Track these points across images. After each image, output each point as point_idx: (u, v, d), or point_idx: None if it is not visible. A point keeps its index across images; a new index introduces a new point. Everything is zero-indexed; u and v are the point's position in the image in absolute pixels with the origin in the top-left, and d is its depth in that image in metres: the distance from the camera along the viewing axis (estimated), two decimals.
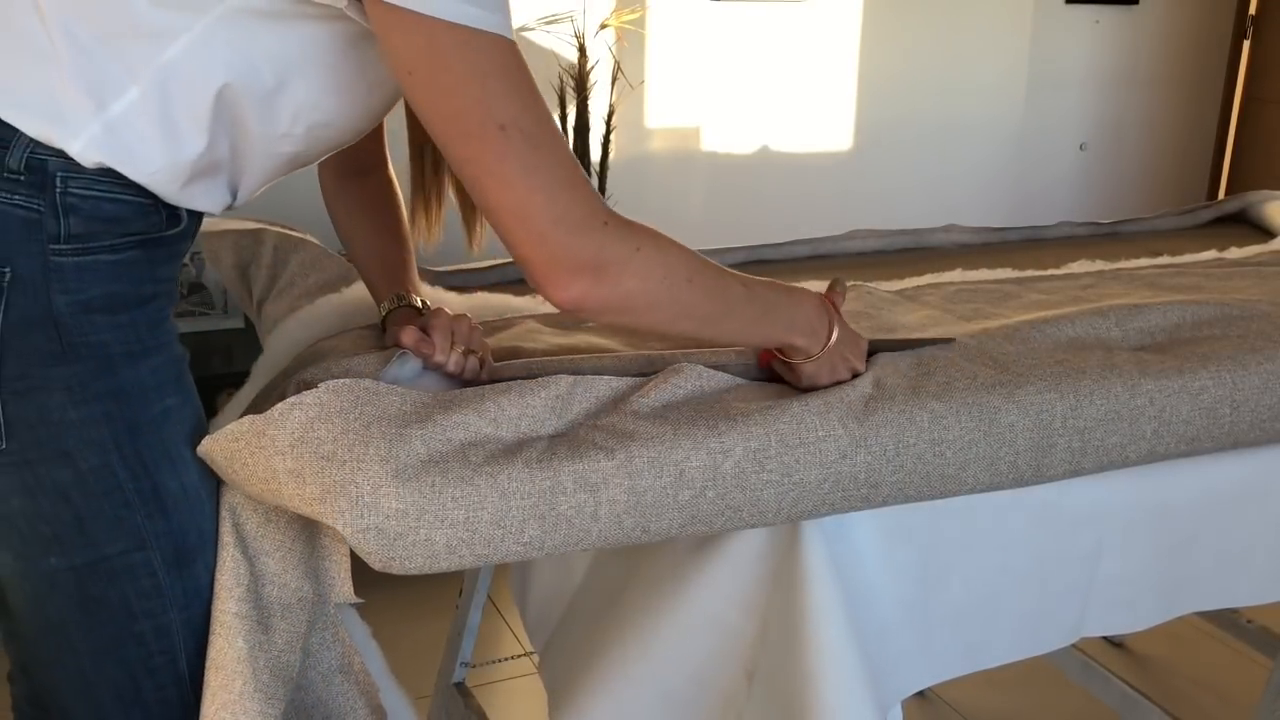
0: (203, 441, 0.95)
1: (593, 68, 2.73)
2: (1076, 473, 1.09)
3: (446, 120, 0.87)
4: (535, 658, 1.30)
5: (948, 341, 1.13)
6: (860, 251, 1.69)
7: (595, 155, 2.77)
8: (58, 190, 0.89)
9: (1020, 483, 1.06)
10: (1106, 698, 1.83)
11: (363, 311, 1.21)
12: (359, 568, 0.98)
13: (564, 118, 2.71)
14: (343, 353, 1.07)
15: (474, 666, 1.81)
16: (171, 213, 0.95)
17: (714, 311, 0.97)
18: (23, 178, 0.88)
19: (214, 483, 1.01)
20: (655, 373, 1.03)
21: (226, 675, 0.97)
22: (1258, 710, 1.64)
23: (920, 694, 2.07)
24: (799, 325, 1.02)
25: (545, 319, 1.26)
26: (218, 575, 0.99)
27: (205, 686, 0.99)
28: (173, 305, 0.99)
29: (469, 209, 1.17)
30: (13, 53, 0.88)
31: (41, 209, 0.88)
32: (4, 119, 0.87)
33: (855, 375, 1.05)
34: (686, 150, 3.16)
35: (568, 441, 0.93)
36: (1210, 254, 1.59)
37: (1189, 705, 2.10)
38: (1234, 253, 1.60)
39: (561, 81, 2.74)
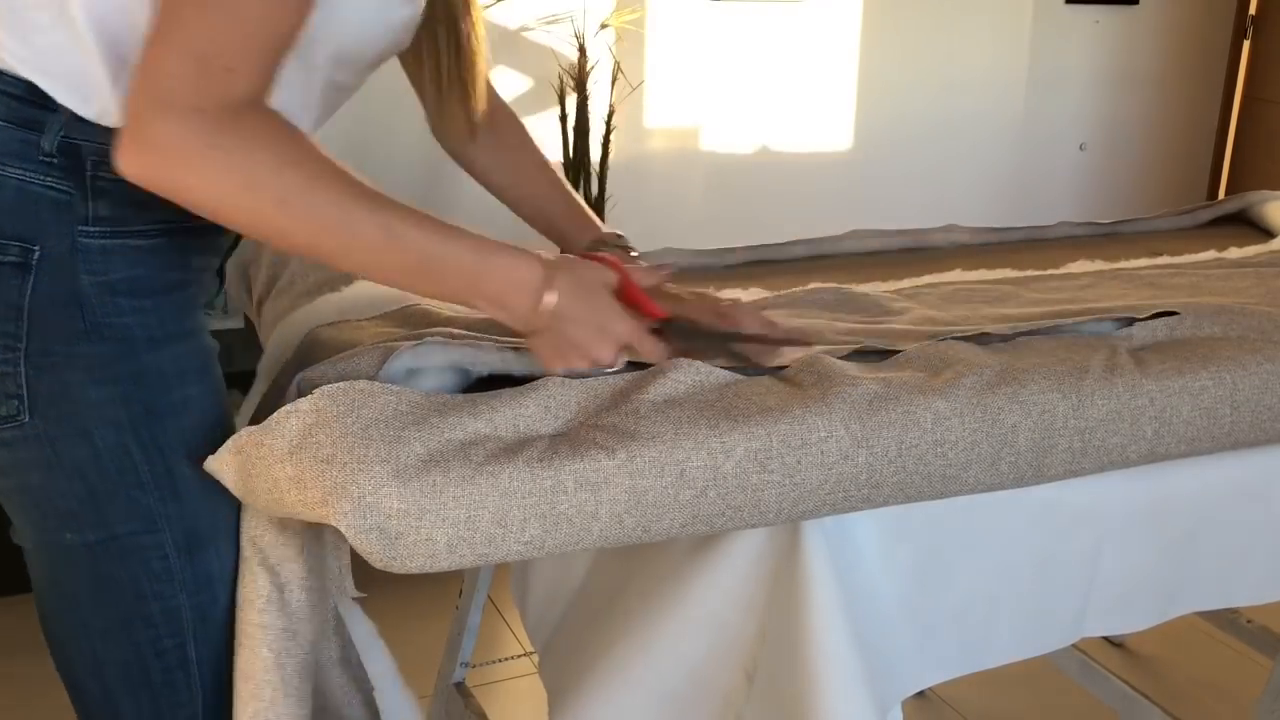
0: (209, 459, 0.95)
1: (593, 68, 2.73)
2: (1076, 473, 1.09)
3: None
4: (535, 658, 1.30)
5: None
6: (860, 251, 1.69)
7: (595, 155, 2.77)
8: (88, 174, 0.91)
9: (1021, 483, 1.06)
10: (1106, 698, 1.83)
11: (362, 309, 1.21)
12: (360, 567, 0.99)
13: (564, 118, 2.71)
14: (341, 347, 1.07)
15: (474, 666, 1.82)
16: None
17: (328, 249, 0.89)
18: (55, 160, 0.90)
19: None
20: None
21: (256, 684, 0.98)
22: (1258, 710, 1.64)
23: (920, 694, 2.07)
24: (485, 292, 0.93)
25: None
26: (240, 588, 1.00)
27: (236, 695, 1.00)
28: (205, 295, 1.01)
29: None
30: (30, 25, 0.89)
31: (72, 192, 0.91)
32: (42, 87, 0.89)
33: (606, 365, 0.97)
34: (686, 150, 3.16)
35: (569, 441, 0.93)
36: (1210, 254, 1.59)
37: (1189, 705, 2.10)
38: (1233, 253, 1.60)
39: (561, 81, 2.74)
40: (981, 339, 1.14)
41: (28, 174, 0.90)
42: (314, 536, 1.01)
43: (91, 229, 0.91)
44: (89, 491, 0.95)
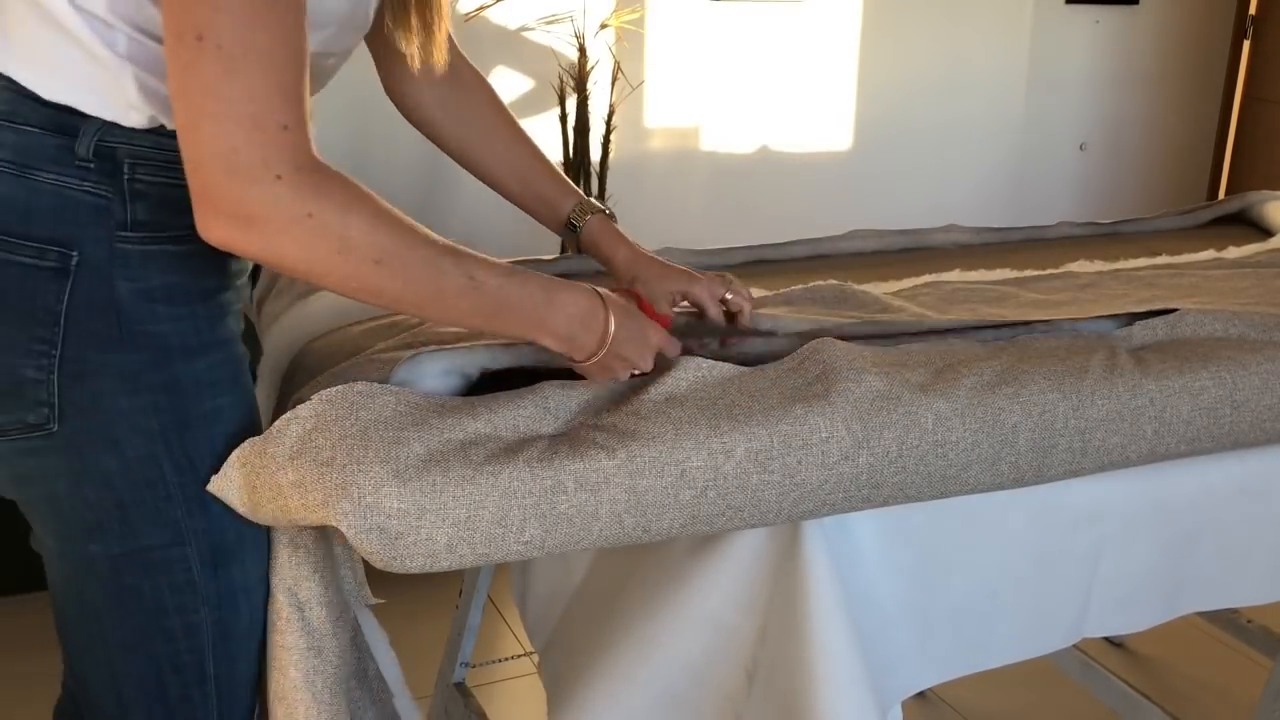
0: (212, 480, 0.95)
1: (593, 68, 2.73)
2: (1076, 473, 1.09)
3: (166, 12, 0.81)
4: (535, 658, 1.30)
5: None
6: (860, 251, 1.69)
7: (595, 155, 2.77)
8: (125, 177, 0.90)
9: (1021, 483, 1.06)
10: (1106, 698, 1.83)
11: (355, 312, 1.21)
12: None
13: (564, 118, 2.71)
14: (335, 359, 1.07)
15: (474, 666, 1.81)
16: None
17: (416, 299, 0.91)
18: (92, 165, 0.89)
19: None
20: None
21: (289, 705, 1.00)
22: (1258, 710, 1.64)
23: (920, 694, 2.06)
24: (552, 328, 0.97)
25: None
26: (268, 610, 1.01)
27: (272, 716, 1.01)
28: (239, 302, 1.00)
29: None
30: (44, 42, 0.88)
31: (110, 195, 0.90)
32: (67, 104, 0.88)
33: (639, 371, 1.02)
34: (686, 150, 3.16)
35: (569, 440, 0.93)
36: (1209, 254, 1.59)
37: (1189, 705, 2.10)
38: (1232, 252, 1.60)
39: (561, 81, 2.74)
40: (979, 331, 1.15)
41: (65, 179, 0.89)
42: (327, 552, 1.02)
43: (130, 234, 0.90)
44: (116, 502, 0.93)
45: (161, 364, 0.93)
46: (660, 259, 1.20)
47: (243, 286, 1.04)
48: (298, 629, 0.99)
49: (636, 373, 1.03)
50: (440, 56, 1.09)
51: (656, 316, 1.10)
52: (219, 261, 0.96)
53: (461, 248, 0.92)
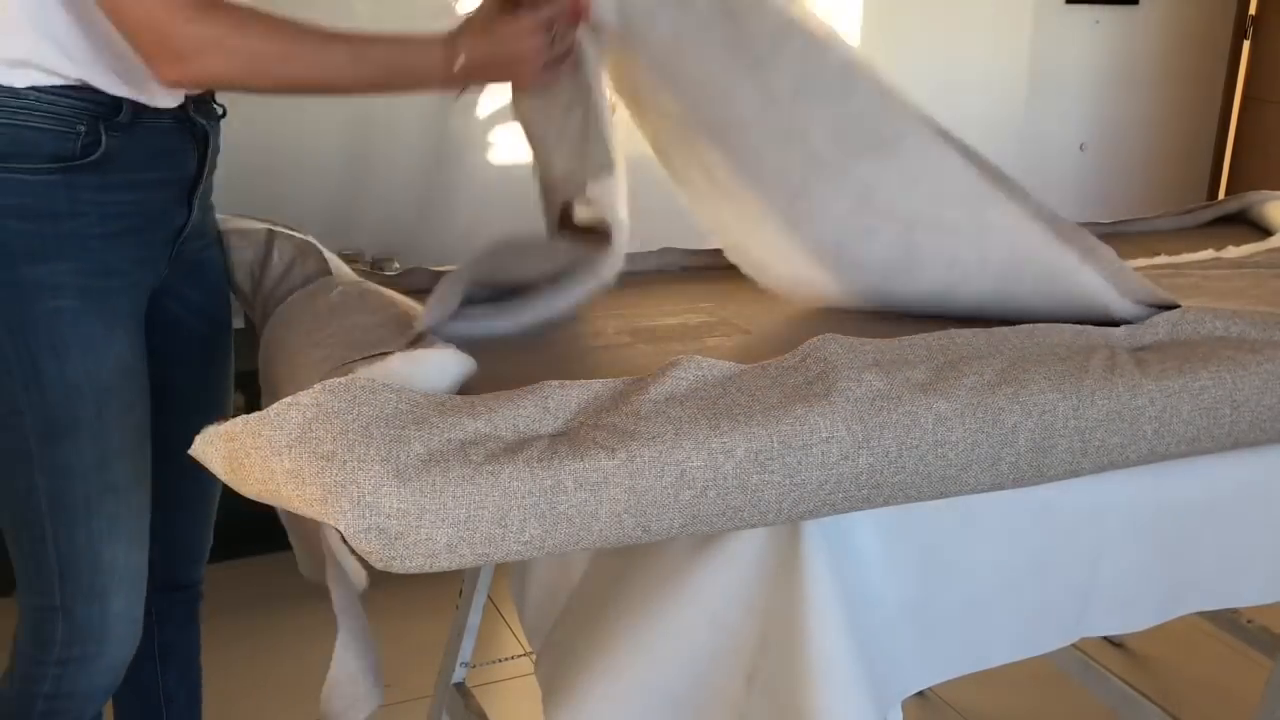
0: (196, 441, 0.95)
1: None
2: (1076, 473, 1.09)
3: None
4: (535, 657, 1.30)
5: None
6: None
7: None
8: None
9: (1020, 483, 1.06)
10: (1106, 698, 1.83)
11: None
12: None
13: None
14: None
15: (474, 666, 1.82)
16: (91, 140, 1.12)
17: (322, 83, 1.15)
18: None
19: (105, 380, 1.16)
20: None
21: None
22: (1258, 710, 1.64)
23: (920, 694, 2.07)
24: (431, 79, 1.18)
25: None
26: None
27: None
28: (104, 226, 1.16)
29: None
30: None
31: None
32: None
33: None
34: None
35: (569, 440, 0.93)
36: (1208, 254, 1.60)
37: (1189, 705, 2.10)
38: (1231, 252, 1.60)
39: None
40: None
41: None
42: None
43: None
44: None
45: (6, 266, 1.11)
46: None
47: (110, 213, 1.16)
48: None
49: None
50: None
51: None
52: (72, 191, 1.13)
53: (328, 28, 1.12)
